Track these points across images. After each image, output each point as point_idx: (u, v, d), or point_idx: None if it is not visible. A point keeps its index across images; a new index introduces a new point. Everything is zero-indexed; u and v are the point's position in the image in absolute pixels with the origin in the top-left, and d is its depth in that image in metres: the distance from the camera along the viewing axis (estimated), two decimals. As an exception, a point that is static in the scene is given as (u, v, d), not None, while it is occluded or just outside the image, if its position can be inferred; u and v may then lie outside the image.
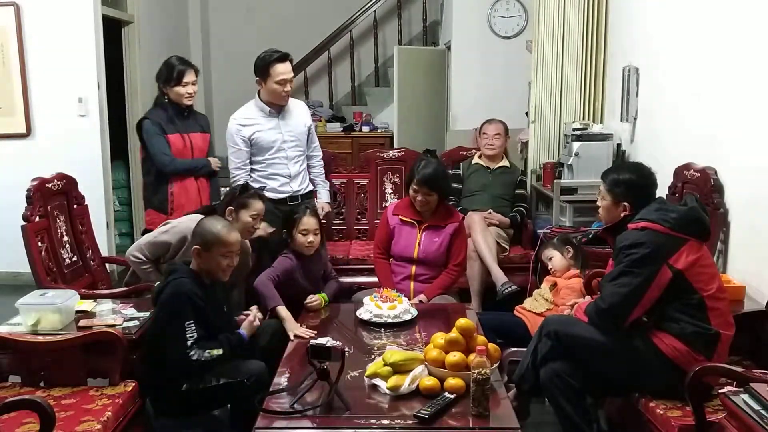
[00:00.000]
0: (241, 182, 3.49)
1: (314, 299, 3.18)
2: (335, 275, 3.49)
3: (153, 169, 3.72)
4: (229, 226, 2.75)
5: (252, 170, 3.63)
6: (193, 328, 2.48)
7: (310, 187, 3.81)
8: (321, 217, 3.80)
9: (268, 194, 3.53)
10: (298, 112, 3.74)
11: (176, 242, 3.10)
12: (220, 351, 2.52)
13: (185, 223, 3.15)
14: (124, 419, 2.44)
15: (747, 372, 2.09)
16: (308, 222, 3.23)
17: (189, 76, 3.70)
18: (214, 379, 2.48)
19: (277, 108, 3.61)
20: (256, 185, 3.57)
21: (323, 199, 3.90)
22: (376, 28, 7.46)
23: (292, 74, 3.58)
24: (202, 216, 3.16)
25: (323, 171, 3.96)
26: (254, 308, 2.88)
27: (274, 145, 3.59)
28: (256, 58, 3.56)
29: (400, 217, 3.44)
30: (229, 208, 3.11)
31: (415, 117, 6.55)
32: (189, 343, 2.46)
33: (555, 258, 3.32)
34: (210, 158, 3.85)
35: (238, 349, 2.62)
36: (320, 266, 3.40)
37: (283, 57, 3.52)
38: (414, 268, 3.40)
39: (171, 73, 3.68)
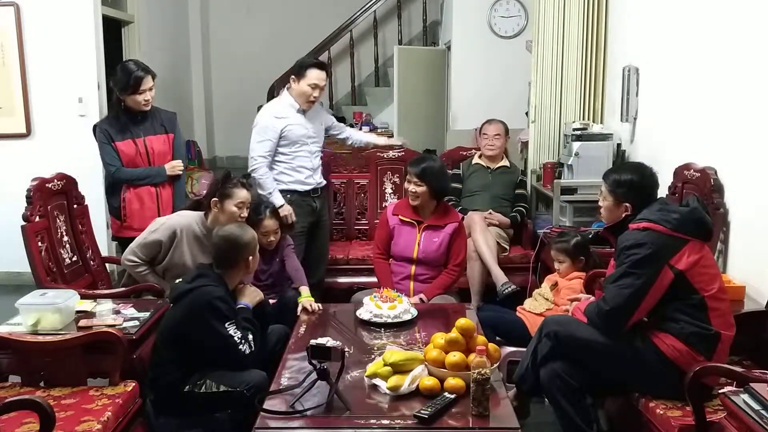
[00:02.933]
0: (262, 169, 3.67)
1: (307, 303, 3.16)
2: (299, 268, 3.47)
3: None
4: (242, 225, 2.87)
5: (278, 162, 3.78)
6: (234, 327, 2.54)
7: (323, 182, 4.01)
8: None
9: (294, 186, 3.76)
10: (320, 113, 4.01)
11: (167, 239, 3.10)
12: (251, 334, 2.59)
13: (174, 218, 3.17)
14: (124, 419, 2.44)
15: (747, 372, 2.09)
16: (268, 224, 3.34)
17: (147, 83, 3.51)
18: (214, 385, 2.48)
19: (302, 109, 3.81)
20: (284, 178, 3.77)
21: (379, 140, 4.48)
22: (376, 28, 7.46)
23: (324, 82, 3.80)
24: (191, 211, 3.18)
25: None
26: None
27: (301, 140, 3.78)
28: (296, 61, 3.84)
29: (399, 217, 3.45)
30: (214, 199, 3.12)
31: (415, 117, 6.55)
32: (236, 340, 2.52)
33: (566, 264, 3.31)
34: (168, 164, 3.63)
35: (251, 321, 2.68)
36: (278, 259, 3.44)
37: (321, 65, 3.82)
38: (413, 268, 3.40)
39: (128, 80, 3.48)
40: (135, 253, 3.13)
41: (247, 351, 2.54)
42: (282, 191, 3.74)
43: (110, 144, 3.55)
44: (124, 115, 3.58)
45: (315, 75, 3.71)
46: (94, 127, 3.65)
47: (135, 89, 3.49)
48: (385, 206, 4.12)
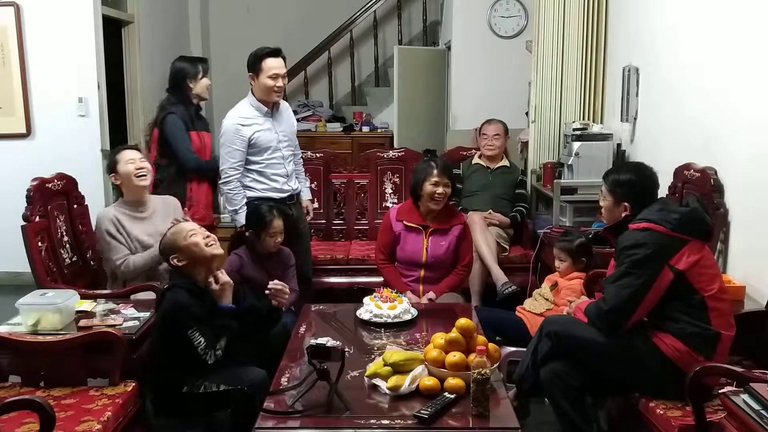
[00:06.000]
0: (233, 183, 3.51)
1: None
2: (296, 290, 3.39)
3: (173, 163, 3.77)
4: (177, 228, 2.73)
5: (249, 171, 3.57)
6: (198, 334, 2.47)
7: (299, 188, 3.82)
8: (308, 215, 3.91)
9: (269, 194, 3.55)
10: (288, 112, 3.76)
11: (113, 229, 3.18)
12: (224, 340, 2.52)
13: (98, 216, 3.27)
14: (124, 419, 2.44)
15: (747, 372, 2.08)
16: (277, 225, 3.30)
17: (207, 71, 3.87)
18: (214, 386, 2.47)
19: (270, 107, 3.58)
20: (258, 186, 3.57)
21: (307, 197, 3.95)
22: (376, 28, 7.46)
23: (284, 69, 3.53)
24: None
25: (303, 169, 3.96)
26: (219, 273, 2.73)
27: (272, 145, 3.56)
28: (249, 55, 3.54)
29: (405, 222, 3.41)
30: (112, 174, 3.26)
31: (415, 117, 6.55)
32: (200, 351, 2.45)
33: (566, 264, 3.31)
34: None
35: (235, 321, 2.59)
36: (279, 268, 3.36)
37: (275, 51, 3.49)
38: (422, 271, 3.40)
39: (198, 65, 3.85)
40: (116, 261, 3.17)
41: (211, 360, 2.46)
42: (256, 199, 3.53)
43: (187, 132, 3.75)
44: (191, 106, 3.85)
45: (272, 64, 3.44)
46: (168, 113, 3.77)
47: (205, 72, 3.84)
48: (386, 207, 4.09)
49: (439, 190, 3.30)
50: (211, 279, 2.67)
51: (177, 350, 2.49)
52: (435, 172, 3.30)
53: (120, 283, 3.23)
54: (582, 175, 4.09)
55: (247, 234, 3.37)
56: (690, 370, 2.15)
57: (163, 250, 2.68)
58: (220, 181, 3.60)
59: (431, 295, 3.32)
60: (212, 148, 3.97)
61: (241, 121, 3.50)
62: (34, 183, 3.21)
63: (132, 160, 3.24)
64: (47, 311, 2.64)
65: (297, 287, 3.42)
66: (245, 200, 3.53)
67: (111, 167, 3.27)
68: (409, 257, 3.40)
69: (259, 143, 3.52)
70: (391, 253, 3.46)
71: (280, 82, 3.49)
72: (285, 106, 3.74)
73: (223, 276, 2.68)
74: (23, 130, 5.04)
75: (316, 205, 4.49)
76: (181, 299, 2.51)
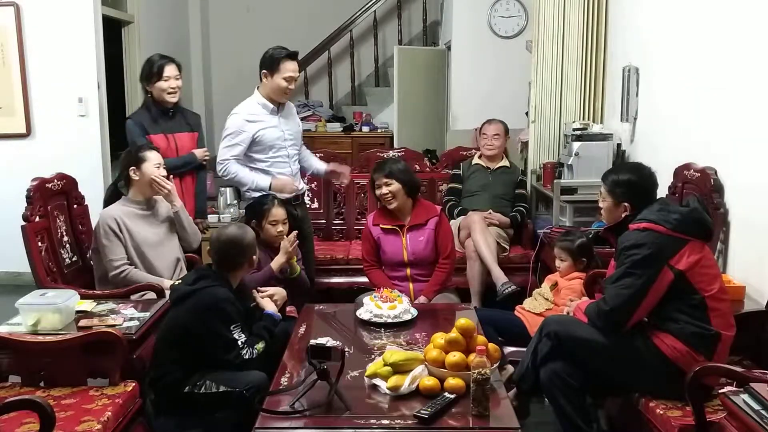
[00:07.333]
0: (231, 169, 3.53)
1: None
2: (306, 281, 3.47)
3: None
4: (242, 226, 2.88)
5: (254, 170, 3.58)
6: (240, 329, 2.55)
7: (305, 188, 3.86)
8: (346, 179, 4.03)
9: (275, 194, 3.53)
10: (293, 112, 3.80)
11: (116, 229, 3.14)
12: (263, 343, 2.62)
13: (102, 215, 3.22)
14: (124, 419, 2.43)
15: (747, 372, 2.09)
16: (277, 212, 3.31)
17: (169, 70, 3.67)
18: (214, 386, 2.49)
19: (277, 105, 3.60)
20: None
21: (323, 167, 3.94)
22: (376, 28, 7.47)
23: (298, 74, 3.61)
24: (112, 202, 3.27)
25: (309, 151, 4.02)
26: (265, 289, 2.99)
27: (277, 143, 3.59)
28: (266, 53, 3.55)
29: (381, 226, 3.45)
30: (131, 168, 3.21)
31: (415, 117, 6.56)
32: (240, 343, 2.53)
33: (567, 264, 3.31)
34: (197, 151, 3.80)
35: (275, 329, 2.75)
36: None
37: (294, 55, 3.56)
38: (408, 270, 3.43)
39: (151, 68, 3.67)
40: (113, 262, 3.14)
41: (247, 357, 2.54)
42: None
43: (144, 136, 3.66)
44: (155, 108, 3.72)
45: (290, 67, 3.50)
46: (127, 120, 3.78)
47: (159, 75, 3.65)
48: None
49: (383, 190, 3.39)
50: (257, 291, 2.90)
51: (193, 346, 2.52)
52: (374, 176, 3.43)
53: (110, 286, 3.18)
54: (582, 175, 4.09)
55: (251, 225, 3.37)
56: (690, 370, 2.15)
57: (250, 244, 2.73)
58: (219, 173, 3.60)
59: (422, 299, 3.33)
60: (201, 145, 3.89)
61: (247, 117, 3.53)
62: (34, 183, 3.21)
63: (159, 165, 3.23)
64: (47, 311, 2.64)
65: (307, 280, 3.47)
66: (253, 172, 3.55)
67: (133, 162, 3.21)
68: (391, 258, 3.45)
69: (264, 140, 3.54)
70: (375, 259, 3.51)
71: (292, 85, 3.57)
72: (291, 107, 3.77)
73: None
74: (23, 130, 5.04)
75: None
76: (223, 295, 2.57)
